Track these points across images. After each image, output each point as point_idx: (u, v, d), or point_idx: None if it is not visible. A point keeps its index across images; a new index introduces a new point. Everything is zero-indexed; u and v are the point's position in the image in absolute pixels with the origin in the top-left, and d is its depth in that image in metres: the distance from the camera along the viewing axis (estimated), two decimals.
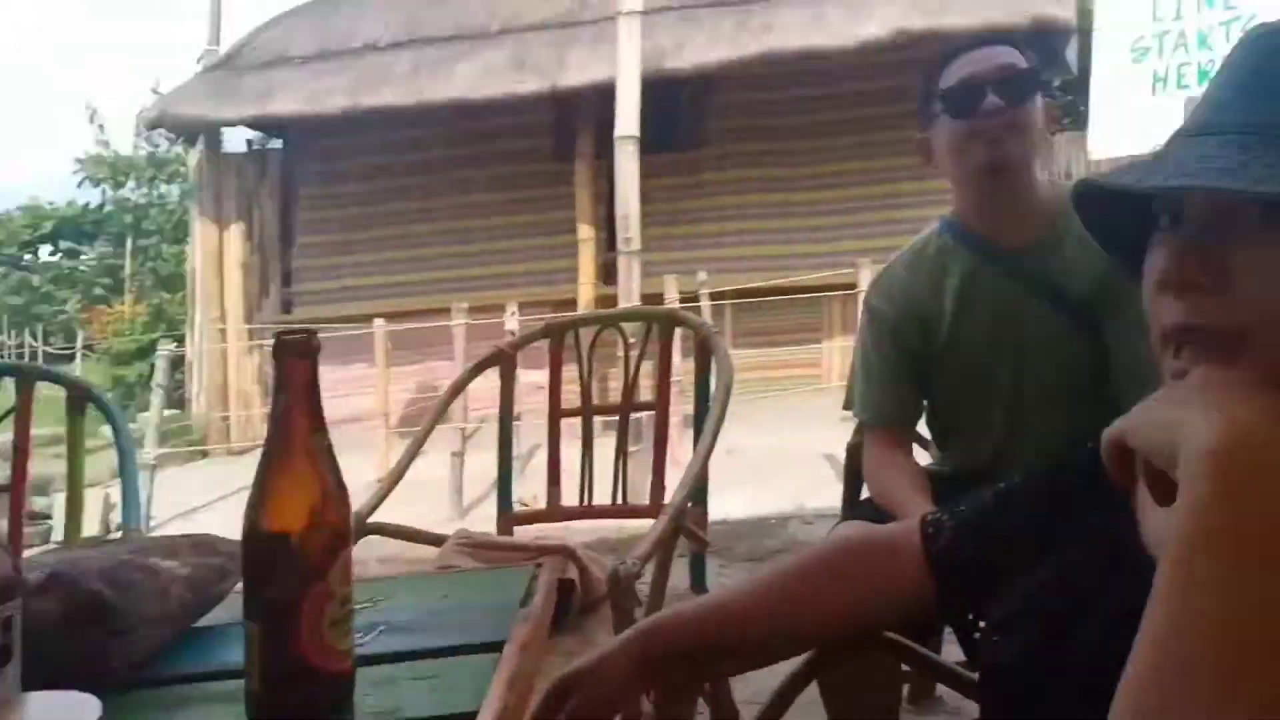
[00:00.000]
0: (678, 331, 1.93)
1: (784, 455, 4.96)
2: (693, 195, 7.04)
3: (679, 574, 2.03)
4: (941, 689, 2.10)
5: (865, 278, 4.83)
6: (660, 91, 6.59)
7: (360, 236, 7.40)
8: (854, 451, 1.75)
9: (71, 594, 0.80)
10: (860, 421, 1.66)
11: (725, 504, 3.93)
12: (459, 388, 2.07)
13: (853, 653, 0.97)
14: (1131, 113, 4.01)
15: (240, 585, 0.96)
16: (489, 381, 2.01)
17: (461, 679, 0.78)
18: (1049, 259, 1.47)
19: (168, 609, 0.86)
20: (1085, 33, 5.08)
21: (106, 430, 1.85)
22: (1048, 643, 0.68)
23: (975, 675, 1.03)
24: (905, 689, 2.06)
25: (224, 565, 0.96)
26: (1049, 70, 1.52)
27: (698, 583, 1.87)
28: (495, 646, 0.83)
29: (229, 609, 0.97)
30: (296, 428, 0.72)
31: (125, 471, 1.60)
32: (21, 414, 1.71)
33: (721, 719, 1.34)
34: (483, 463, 4.79)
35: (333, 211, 7.46)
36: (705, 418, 1.71)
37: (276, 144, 7.93)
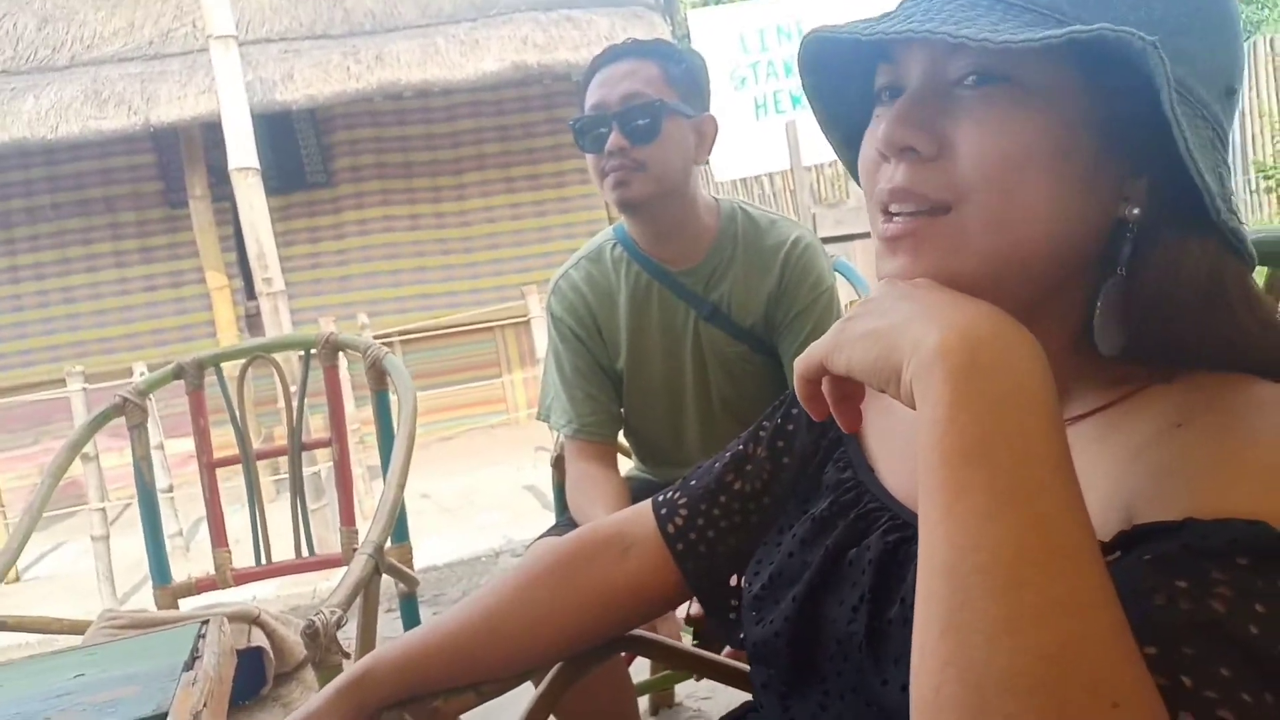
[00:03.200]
0: (345, 373, 1.75)
1: (482, 492, 4.83)
2: (335, 236, 6.69)
3: (390, 628, 1.83)
4: (681, 694, 2.08)
5: (535, 305, 4.84)
6: (278, 127, 6.24)
7: None
8: (559, 463, 1.68)
9: None
10: (559, 434, 1.59)
11: (428, 550, 3.71)
12: (77, 445, 1.71)
13: (600, 659, 0.89)
14: (743, 136, 4.48)
15: None
16: (127, 458, 1.68)
17: None
18: (718, 282, 1.45)
19: None
20: None
21: None
22: (805, 609, 0.65)
23: (713, 656, 0.99)
24: (646, 700, 2.01)
25: None
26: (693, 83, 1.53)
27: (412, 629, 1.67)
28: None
29: None
30: None
31: None
32: None
33: None
34: (136, 547, 4.13)
35: None
36: (391, 448, 1.55)
37: None
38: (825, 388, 0.55)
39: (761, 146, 4.44)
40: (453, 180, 6.83)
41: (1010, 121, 0.51)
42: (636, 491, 1.49)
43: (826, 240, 4.24)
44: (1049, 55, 0.49)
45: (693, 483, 0.81)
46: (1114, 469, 0.51)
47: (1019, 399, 0.43)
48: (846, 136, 0.64)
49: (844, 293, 1.69)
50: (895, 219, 0.54)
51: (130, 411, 1.66)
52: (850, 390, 0.55)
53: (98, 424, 1.67)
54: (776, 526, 0.74)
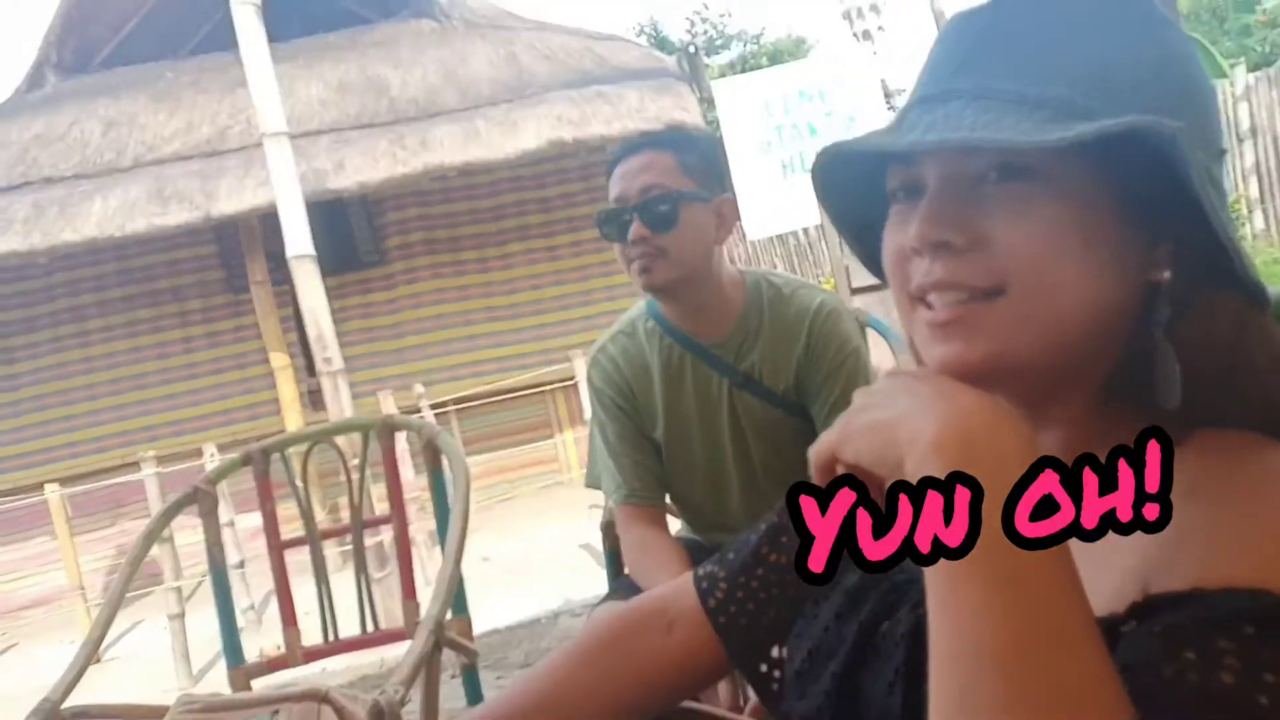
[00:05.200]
0: (405, 445, 1.82)
1: (539, 553, 4.87)
2: (389, 311, 6.91)
3: (453, 696, 1.87)
4: None
5: (580, 369, 4.94)
6: (330, 213, 6.48)
7: (7, 399, 6.47)
8: (609, 529, 1.72)
9: None
10: (609, 500, 1.63)
11: (490, 613, 3.75)
12: (152, 535, 1.81)
13: None
14: (772, 196, 4.57)
15: None
16: (200, 536, 1.78)
17: None
18: (748, 352, 1.49)
19: None
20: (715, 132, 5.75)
21: None
22: (845, 685, 0.66)
23: None
24: None
25: None
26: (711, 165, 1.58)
27: (474, 700, 1.72)
28: None
29: None
30: None
31: None
32: None
33: None
34: (211, 623, 4.25)
35: None
36: (448, 522, 1.62)
37: None
38: (840, 469, 0.56)
39: (790, 204, 4.53)
40: (498, 251, 7.02)
41: (1040, 212, 0.54)
42: (688, 553, 1.52)
43: (860, 291, 4.25)
44: (1071, 147, 0.51)
45: (731, 556, 0.83)
46: (1135, 538, 0.51)
47: (1007, 487, 0.45)
48: (856, 231, 0.68)
49: (878, 351, 1.72)
50: (939, 307, 0.57)
51: (202, 499, 1.75)
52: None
53: (171, 514, 1.77)
54: (812, 597, 0.75)
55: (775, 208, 4.44)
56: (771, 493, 1.49)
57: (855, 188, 0.65)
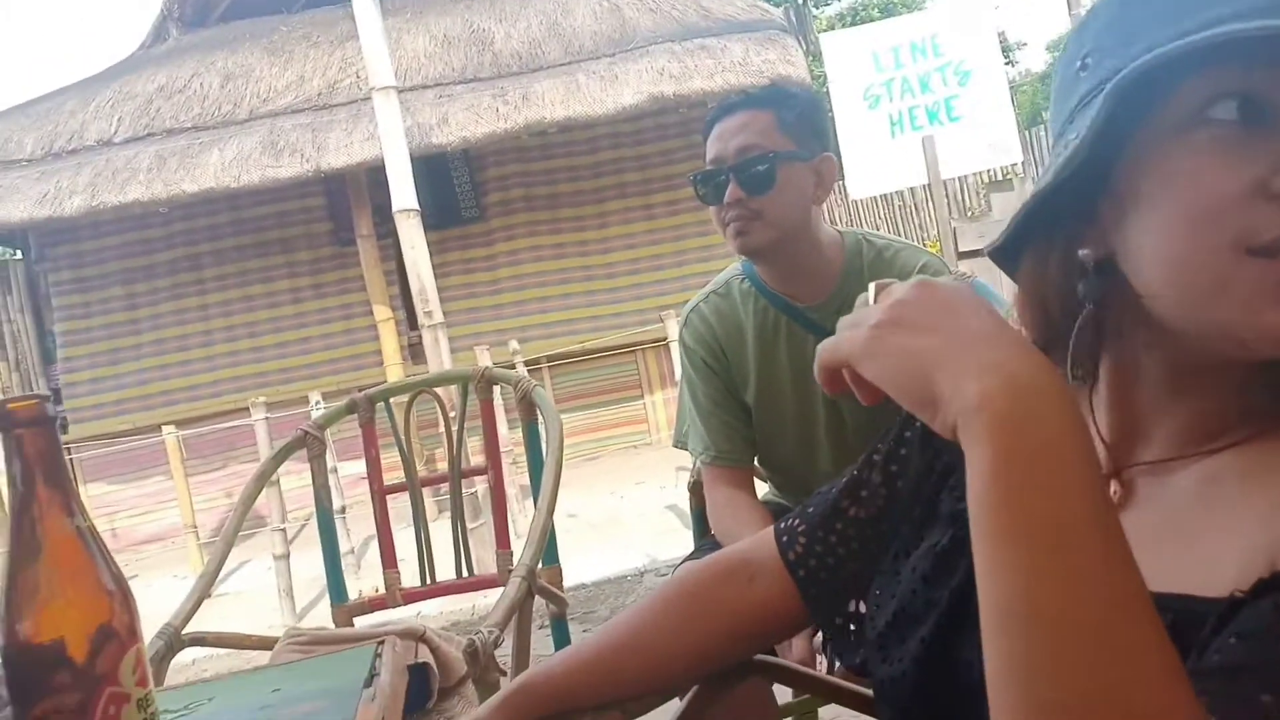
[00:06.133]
0: (499, 400, 1.86)
1: (625, 512, 4.94)
2: (488, 267, 7.02)
3: (542, 644, 1.92)
4: (824, 717, 2.07)
5: (673, 329, 4.95)
6: (434, 168, 6.59)
7: (130, 343, 6.84)
8: (696, 489, 1.72)
9: None
10: (697, 460, 1.62)
11: (576, 568, 3.85)
12: (264, 476, 1.88)
13: (734, 681, 0.93)
14: (877, 154, 4.44)
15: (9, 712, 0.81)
16: (303, 480, 1.86)
17: None
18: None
19: None
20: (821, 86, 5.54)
21: None
22: (935, 650, 0.66)
23: (844, 683, 1.01)
24: None
25: None
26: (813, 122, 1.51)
27: (562, 649, 1.75)
28: None
29: None
30: (44, 511, 0.59)
31: None
32: None
33: None
34: (313, 564, 4.47)
35: (95, 320, 6.85)
36: (540, 476, 1.64)
37: (17, 254, 7.27)
38: (847, 372, 0.54)
39: (897, 163, 4.40)
40: (595, 209, 7.04)
41: None
42: (774, 517, 1.51)
43: (967, 255, 4.12)
44: None
45: (810, 509, 0.83)
46: (1265, 513, 0.50)
47: (1056, 452, 0.44)
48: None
49: None
50: None
51: (310, 443, 1.82)
52: None
53: (282, 457, 1.84)
54: (892, 551, 0.75)
55: (881, 166, 4.32)
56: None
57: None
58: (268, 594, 4.18)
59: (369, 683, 0.82)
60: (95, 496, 6.63)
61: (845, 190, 5.38)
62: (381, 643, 0.91)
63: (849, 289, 1.46)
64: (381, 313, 6.35)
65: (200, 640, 1.49)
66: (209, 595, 1.59)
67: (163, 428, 4.93)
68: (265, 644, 1.55)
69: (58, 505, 0.60)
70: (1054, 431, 0.44)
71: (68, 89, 7.29)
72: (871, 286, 0.55)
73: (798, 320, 1.48)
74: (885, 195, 9.11)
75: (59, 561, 0.59)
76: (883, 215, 10.16)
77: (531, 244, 7.00)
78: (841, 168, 3.54)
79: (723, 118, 1.43)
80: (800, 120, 1.42)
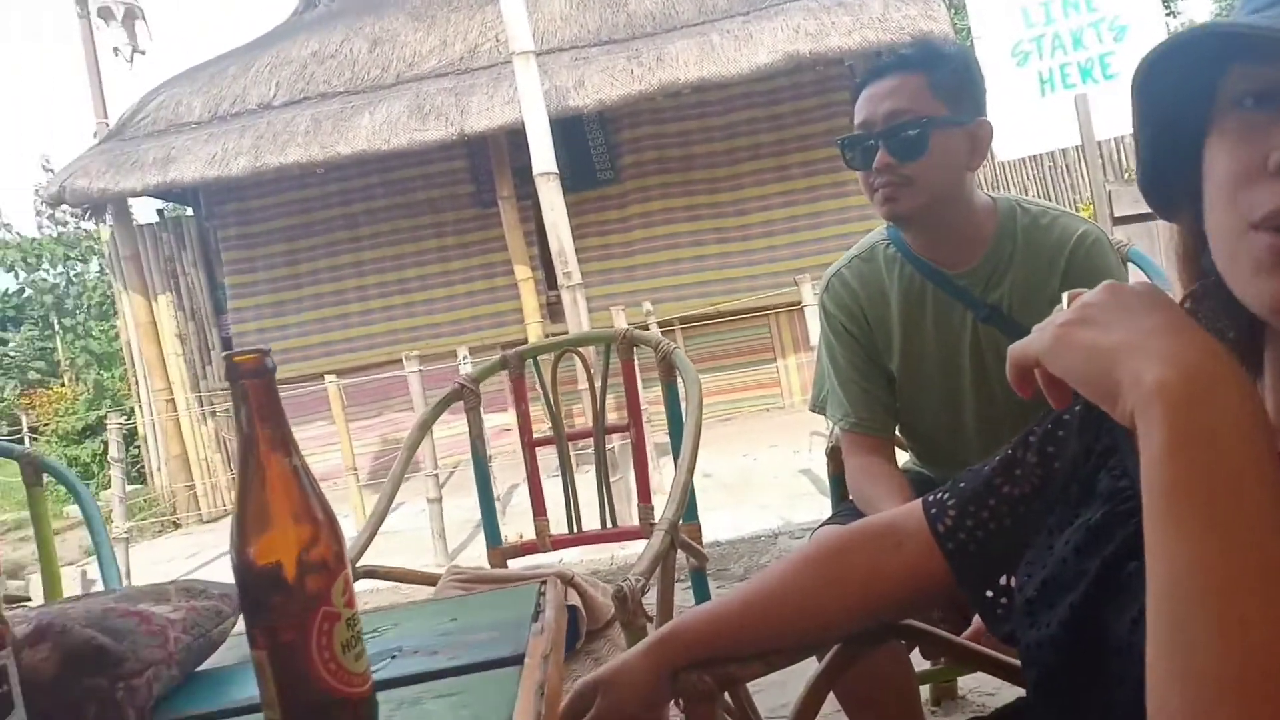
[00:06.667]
0: (637, 356, 1.92)
1: (758, 474, 4.98)
2: (622, 229, 7.11)
3: (681, 596, 2.01)
4: (964, 687, 2.09)
5: (807, 293, 4.90)
6: (570, 131, 6.69)
7: (292, 296, 7.30)
8: (834, 454, 1.73)
9: (64, 643, 0.75)
10: (835, 426, 1.62)
11: (710, 526, 3.92)
12: (426, 424, 2.03)
13: (874, 643, 0.96)
14: (1026, 114, 4.23)
15: (241, 625, 0.93)
16: (452, 430, 1.99)
17: (486, 694, 0.75)
18: (998, 283, 1.43)
19: (168, 652, 0.82)
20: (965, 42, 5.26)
21: (71, 510, 1.78)
22: (1083, 617, 0.67)
23: (988, 651, 1.03)
24: (928, 690, 2.04)
25: (218, 607, 0.92)
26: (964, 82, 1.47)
27: (701, 601, 1.83)
28: (513, 661, 0.80)
29: (230, 650, 0.94)
30: (265, 451, 0.68)
31: (94, 532, 1.54)
32: None
33: None
34: (459, 508, 4.75)
35: (260, 274, 7.34)
36: (678, 435, 1.70)
37: (189, 211, 7.82)
38: (1038, 370, 0.57)
39: (1047, 123, 4.20)
40: (728, 171, 7.01)
41: None
42: (913, 486, 1.51)
43: (1125, 220, 3.90)
44: None
45: (962, 485, 0.85)
46: None
47: (1232, 435, 0.46)
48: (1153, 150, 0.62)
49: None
50: None
51: (467, 396, 1.94)
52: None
53: (441, 408, 1.97)
54: (1045, 529, 0.76)
55: (1030, 126, 4.14)
56: (1010, 428, 1.44)
57: (1164, 97, 0.58)
58: (422, 534, 4.46)
59: (535, 618, 0.91)
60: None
61: (992, 152, 5.19)
62: (544, 583, 1.00)
63: (1000, 256, 1.43)
64: (522, 272, 6.56)
65: (373, 573, 1.63)
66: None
67: (325, 376, 5.27)
68: (428, 579, 1.69)
69: (277, 445, 0.68)
70: (1226, 415, 0.47)
71: (229, 54, 7.75)
72: (1065, 295, 0.59)
73: (945, 287, 1.45)
74: (1034, 157, 8.66)
75: (278, 495, 0.68)
76: (1032, 177, 9.68)
77: (665, 206, 7.05)
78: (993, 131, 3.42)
79: (872, 81, 1.41)
80: (956, 82, 1.38)
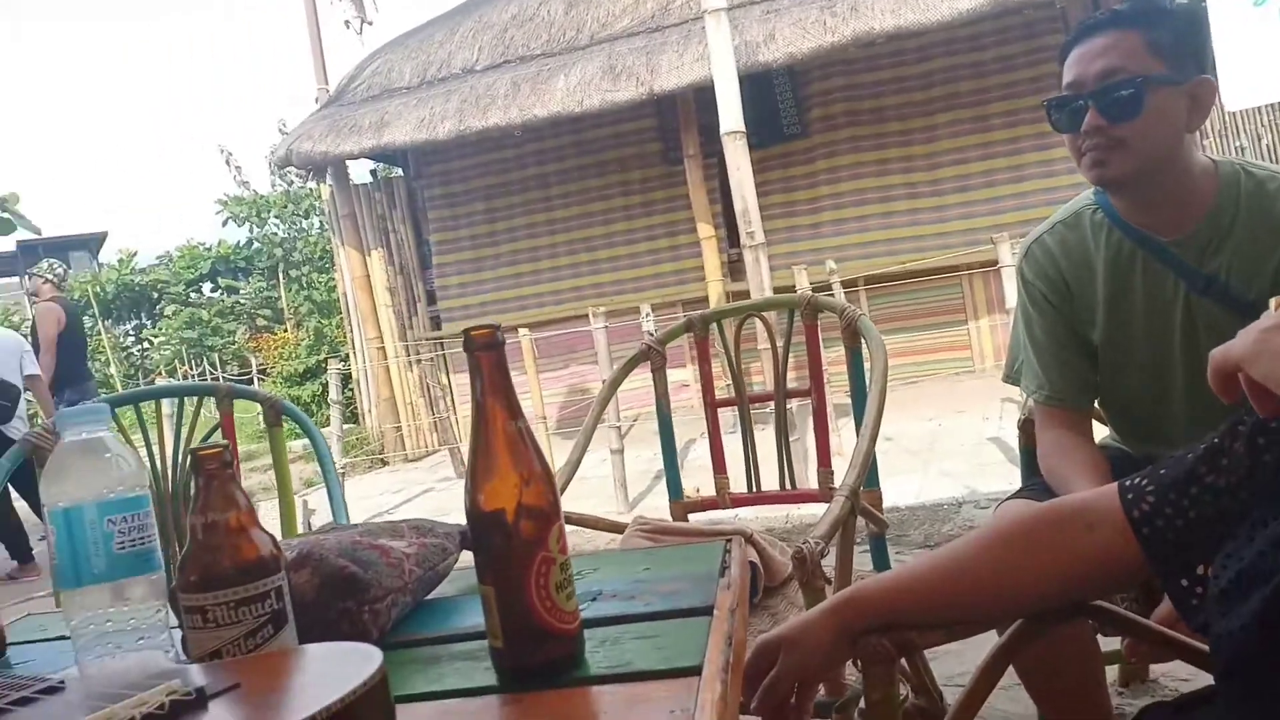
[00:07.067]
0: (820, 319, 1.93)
1: (945, 440, 4.86)
2: (808, 185, 6.98)
3: (859, 561, 2.03)
4: (1156, 671, 2.01)
5: (1005, 253, 4.66)
6: (758, 85, 6.59)
7: (490, 253, 7.68)
8: (1026, 426, 1.68)
9: (322, 569, 0.88)
10: (1029, 398, 1.57)
11: (891, 491, 3.89)
12: (615, 383, 2.13)
13: (1058, 622, 0.96)
14: (1260, 59, 3.82)
15: (458, 563, 1.05)
16: (632, 383, 2.10)
17: (679, 639, 0.81)
18: (1216, 252, 1.34)
19: (405, 582, 0.94)
20: None
21: (291, 445, 2.02)
22: (1276, 607, 0.66)
23: (1179, 636, 1.00)
24: (1116, 671, 1.98)
25: (444, 544, 1.04)
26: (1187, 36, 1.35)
27: (880, 567, 1.84)
28: (703, 611, 0.87)
29: (451, 584, 1.06)
30: (493, 414, 0.77)
31: (326, 471, 1.73)
32: (225, 428, 1.89)
33: (924, 695, 1.34)
34: (638, 459, 4.92)
35: (461, 231, 7.76)
36: (861, 400, 1.71)
37: (398, 172, 8.33)
38: (1241, 375, 0.57)
39: None
40: (922, 122, 6.72)
41: None
42: (1111, 463, 1.46)
43: None
44: None
45: (1162, 471, 0.83)
46: None
47: None
48: None
49: None
50: None
51: (653, 356, 2.03)
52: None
53: (630, 366, 2.06)
54: (1249, 521, 0.75)
55: (1265, 74, 3.74)
56: (1221, 406, 1.36)
57: None
58: (605, 483, 4.67)
59: (722, 573, 0.97)
60: (462, 386, 7.66)
61: (1220, 101, 4.68)
62: (729, 541, 1.06)
63: (1220, 223, 1.34)
64: (704, 230, 6.61)
65: (566, 518, 1.75)
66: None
67: (518, 330, 5.55)
68: (615, 527, 1.80)
69: (504, 410, 0.77)
70: None
71: (436, 20, 8.15)
72: (1272, 301, 0.58)
73: (1156, 255, 1.37)
74: (1269, 105, 7.78)
75: (505, 452, 0.77)
76: (1265, 124, 8.68)
77: (853, 160, 6.86)
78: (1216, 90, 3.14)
79: (1083, 40, 1.34)
80: (1175, 39, 1.30)
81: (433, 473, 6.63)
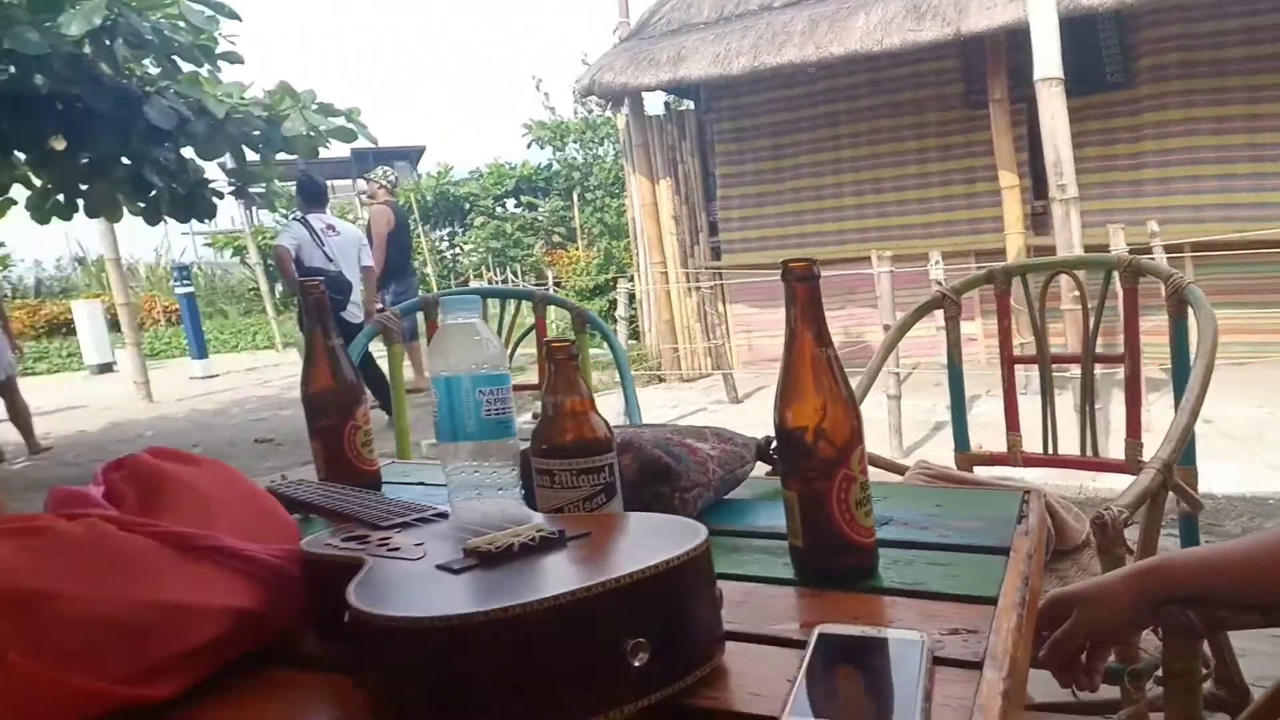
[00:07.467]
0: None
1: (1274, 430, 4.33)
2: (1130, 139, 6.27)
3: (1164, 541, 1.91)
4: None
5: None
6: (1079, 30, 5.94)
7: (773, 189, 7.66)
8: None
9: (641, 456, 0.98)
10: None
11: (1206, 477, 3.55)
12: (905, 327, 2.10)
13: None
14: None
15: (751, 471, 1.12)
16: (915, 330, 2.06)
17: (973, 571, 0.83)
18: None
19: (709, 479, 1.02)
20: None
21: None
22: None
23: None
24: None
25: (741, 453, 1.11)
26: None
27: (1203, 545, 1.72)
28: (999, 551, 0.87)
29: (747, 488, 1.13)
30: (804, 340, 0.83)
31: (624, 375, 1.88)
32: (538, 329, 2.08)
33: (1225, 685, 1.25)
34: (915, 407, 4.80)
35: (746, 166, 7.79)
36: (1181, 374, 1.58)
37: (689, 105, 8.45)
38: None
39: None
40: (1274, 79, 5.82)
41: None
42: None
43: None
44: None
45: None
46: None
47: None
48: None
49: None
50: None
51: (948, 305, 1.97)
52: None
53: (921, 313, 2.03)
54: None
55: None
56: None
57: None
58: (880, 427, 4.62)
59: (1019, 521, 0.96)
60: (737, 316, 7.80)
61: None
62: (1028, 493, 1.04)
63: None
64: (1007, 179, 6.19)
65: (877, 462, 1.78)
66: None
67: None
68: (896, 468, 1.80)
69: (814, 337, 0.83)
70: None
71: None
72: None
73: None
74: None
75: (812, 375, 0.82)
76: None
77: (1186, 116, 6.09)
78: None
79: None
80: None
81: (706, 394, 6.83)
